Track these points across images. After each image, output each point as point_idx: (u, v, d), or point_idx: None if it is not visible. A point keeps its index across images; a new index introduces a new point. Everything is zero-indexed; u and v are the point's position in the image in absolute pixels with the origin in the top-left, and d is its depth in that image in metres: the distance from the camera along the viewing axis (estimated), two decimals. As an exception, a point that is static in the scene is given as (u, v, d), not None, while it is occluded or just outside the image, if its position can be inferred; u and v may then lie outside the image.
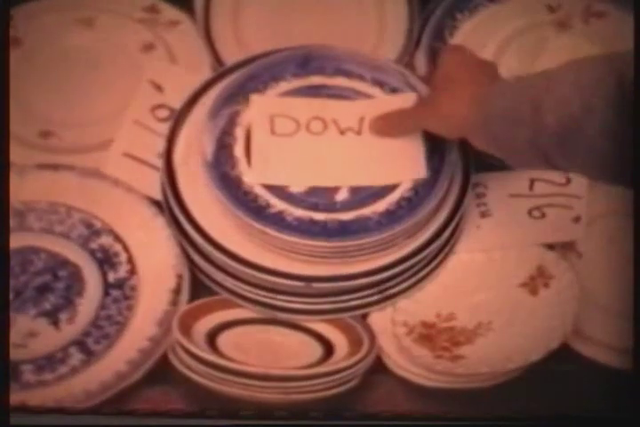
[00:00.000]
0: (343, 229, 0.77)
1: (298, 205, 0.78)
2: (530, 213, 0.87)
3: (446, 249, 0.84)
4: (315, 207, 0.78)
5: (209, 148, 0.79)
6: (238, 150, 0.79)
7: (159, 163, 0.85)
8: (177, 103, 0.85)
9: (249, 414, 0.76)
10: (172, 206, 0.80)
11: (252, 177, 0.78)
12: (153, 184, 0.85)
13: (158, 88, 0.90)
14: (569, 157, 0.66)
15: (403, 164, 0.80)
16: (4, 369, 0.74)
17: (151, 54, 0.92)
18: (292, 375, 0.76)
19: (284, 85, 0.83)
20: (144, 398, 0.80)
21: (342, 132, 0.81)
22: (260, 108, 0.81)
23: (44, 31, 0.92)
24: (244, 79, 0.82)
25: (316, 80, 0.83)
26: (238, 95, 0.81)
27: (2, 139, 0.80)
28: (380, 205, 0.78)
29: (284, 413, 0.77)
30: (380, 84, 0.83)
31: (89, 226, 0.84)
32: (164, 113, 0.88)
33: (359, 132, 0.81)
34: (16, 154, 0.84)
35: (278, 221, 0.76)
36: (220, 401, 0.78)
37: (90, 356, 0.79)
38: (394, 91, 0.83)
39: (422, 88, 0.82)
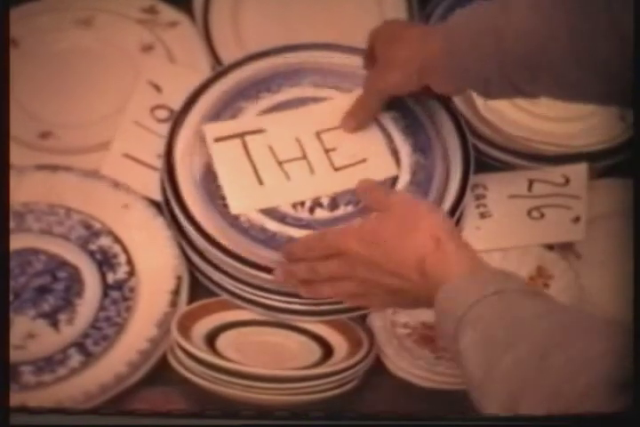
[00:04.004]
0: None
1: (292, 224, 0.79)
2: (529, 213, 0.86)
3: (446, 250, 0.84)
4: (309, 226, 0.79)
5: (197, 168, 0.80)
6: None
7: (159, 163, 0.85)
8: (176, 104, 0.86)
9: (249, 415, 0.76)
10: (172, 207, 0.80)
11: (235, 208, 0.79)
12: (152, 185, 0.85)
13: (157, 88, 0.89)
14: (535, 83, 0.70)
15: (374, 163, 0.81)
16: (3, 370, 0.74)
17: (150, 55, 0.92)
18: (291, 376, 0.76)
19: (275, 97, 0.84)
20: (143, 398, 0.80)
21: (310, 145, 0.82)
22: (216, 137, 0.82)
23: (41, 32, 0.92)
24: (233, 93, 0.83)
25: (305, 92, 0.84)
26: (228, 109, 0.83)
27: (2, 140, 0.80)
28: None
29: (284, 413, 0.76)
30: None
31: (88, 227, 0.84)
32: (163, 113, 0.88)
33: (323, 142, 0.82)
34: (15, 155, 0.84)
35: (271, 240, 0.78)
36: (219, 402, 0.77)
37: (89, 357, 0.78)
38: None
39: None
